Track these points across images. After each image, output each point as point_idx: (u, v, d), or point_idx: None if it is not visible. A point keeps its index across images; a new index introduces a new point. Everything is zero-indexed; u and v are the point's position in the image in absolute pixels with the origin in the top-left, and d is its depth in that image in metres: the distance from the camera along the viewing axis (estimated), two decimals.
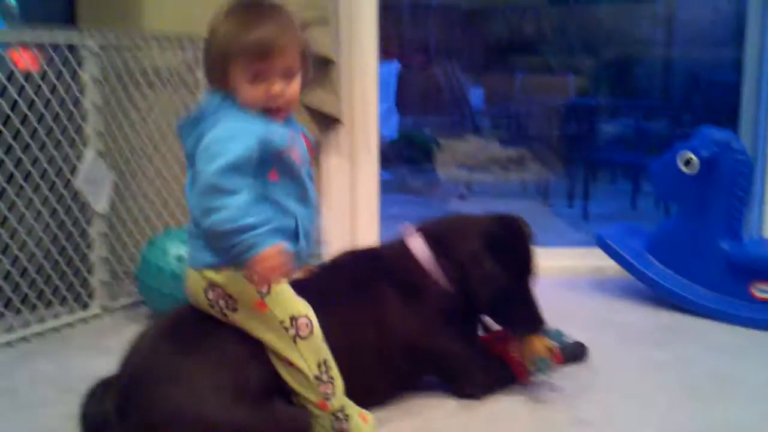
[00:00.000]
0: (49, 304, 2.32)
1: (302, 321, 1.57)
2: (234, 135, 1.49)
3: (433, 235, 1.89)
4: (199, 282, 1.58)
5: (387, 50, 2.50)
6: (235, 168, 1.46)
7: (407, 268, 1.86)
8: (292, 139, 1.59)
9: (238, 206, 1.44)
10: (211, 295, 1.57)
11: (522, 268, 1.88)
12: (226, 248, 1.46)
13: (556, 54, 6.94)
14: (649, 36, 6.96)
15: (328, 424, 1.61)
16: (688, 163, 2.57)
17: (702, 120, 4.80)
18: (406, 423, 1.78)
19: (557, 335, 1.98)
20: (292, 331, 1.55)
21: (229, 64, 1.53)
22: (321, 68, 2.62)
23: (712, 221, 2.57)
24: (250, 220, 1.44)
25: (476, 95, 6.76)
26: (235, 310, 1.57)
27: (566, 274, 2.87)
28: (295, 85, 1.58)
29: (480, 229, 1.88)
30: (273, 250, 1.46)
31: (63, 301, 2.36)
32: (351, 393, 1.64)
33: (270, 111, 1.56)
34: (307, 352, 1.57)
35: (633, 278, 2.69)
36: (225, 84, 1.55)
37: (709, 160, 2.53)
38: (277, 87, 1.54)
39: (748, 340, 2.36)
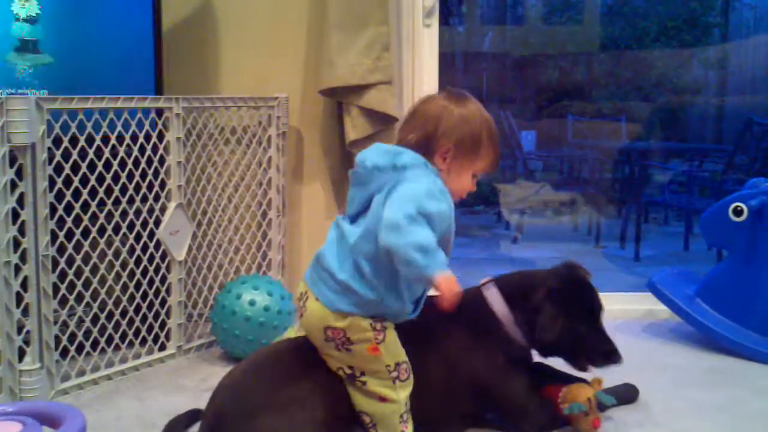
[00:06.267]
0: (129, 345, 2.45)
1: (404, 366, 1.74)
2: (437, 196, 1.70)
3: (507, 288, 2.02)
4: (324, 319, 1.71)
5: None
6: (431, 218, 1.65)
7: (482, 316, 1.98)
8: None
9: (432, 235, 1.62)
10: (330, 333, 1.72)
11: (588, 309, 2.01)
12: (420, 264, 1.58)
13: (608, 99, 6.96)
14: (702, 81, 6.94)
15: None
16: (737, 212, 2.65)
17: (754, 163, 4.81)
18: None
19: (607, 399, 1.98)
20: (394, 374, 1.72)
21: (471, 150, 1.78)
22: (384, 124, 2.78)
23: (761, 268, 2.63)
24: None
25: (528, 140, 6.78)
26: (348, 350, 1.71)
27: (619, 318, 2.95)
28: None
29: (544, 281, 1.99)
30: (450, 273, 1.62)
31: (142, 342, 2.48)
32: (417, 426, 1.77)
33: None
34: (401, 393, 1.73)
35: (684, 322, 2.75)
36: (430, 155, 1.76)
37: (758, 209, 2.61)
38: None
39: None
